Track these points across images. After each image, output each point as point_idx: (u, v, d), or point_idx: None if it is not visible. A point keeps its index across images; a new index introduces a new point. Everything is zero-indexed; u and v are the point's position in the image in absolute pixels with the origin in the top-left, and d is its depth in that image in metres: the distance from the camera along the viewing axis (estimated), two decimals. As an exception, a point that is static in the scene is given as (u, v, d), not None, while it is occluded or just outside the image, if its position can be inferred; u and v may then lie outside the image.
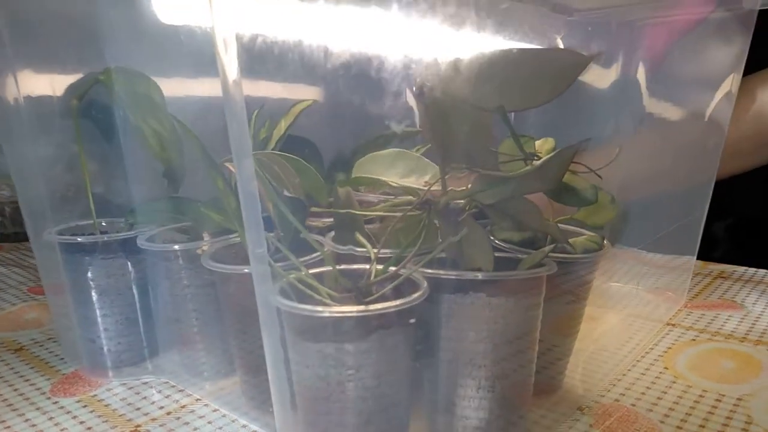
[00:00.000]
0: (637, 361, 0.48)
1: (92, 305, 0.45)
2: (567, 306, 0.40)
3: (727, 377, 0.45)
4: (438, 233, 0.35)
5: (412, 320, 0.30)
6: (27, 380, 0.46)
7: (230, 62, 0.27)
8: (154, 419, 0.40)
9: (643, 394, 0.42)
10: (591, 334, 0.53)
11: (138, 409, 0.41)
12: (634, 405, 0.41)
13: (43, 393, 0.44)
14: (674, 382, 0.44)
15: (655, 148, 0.70)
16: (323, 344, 0.29)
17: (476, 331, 0.32)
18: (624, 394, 0.42)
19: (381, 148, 0.43)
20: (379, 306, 0.28)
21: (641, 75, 0.66)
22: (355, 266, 0.34)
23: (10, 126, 0.44)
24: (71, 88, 0.47)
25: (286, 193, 0.35)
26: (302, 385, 0.30)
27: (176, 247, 0.42)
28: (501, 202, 0.34)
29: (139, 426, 0.39)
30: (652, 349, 0.50)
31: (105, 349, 0.46)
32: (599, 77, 0.71)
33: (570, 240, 0.40)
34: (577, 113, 0.71)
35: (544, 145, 0.42)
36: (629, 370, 0.46)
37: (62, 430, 0.39)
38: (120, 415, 0.40)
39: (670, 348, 0.50)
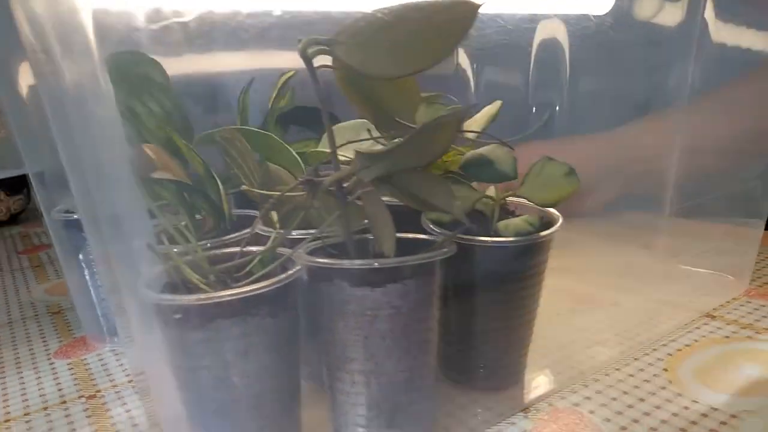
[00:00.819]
0: (635, 359, 0.41)
1: (85, 275, 0.49)
2: (506, 294, 0.35)
3: (738, 387, 0.37)
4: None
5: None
6: (44, 341, 0.51)
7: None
8: (114, 386, 0.43)
9: (614, 399, 0.36)
10: (583, 322, 0.47)
11: (109, 375, 0.44)
12: (592, 412, 0.35)
13: (48, 354, 0.49)
14: (663, 388, 0.37)
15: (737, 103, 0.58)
16: (170, 331, 0.28)
17: (345, 322, 0.29)
18: (591, 398, 0.37)
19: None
20: (208, 296, 0.27)
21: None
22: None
23: (17, 109, 0.49)
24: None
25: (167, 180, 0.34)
26: (169, 370, 0.30)
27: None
28: (398, 178, 0.31)
29: (99, 391, 0.42)
30: (664, 345, 0.43)
31: (101, 316, 0.50)
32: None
33: (504, 222, 0.35)
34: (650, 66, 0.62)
35: (489, 111, 0.37)
36: (617, 369, 0.40)
37: (40, 389, 0.43)
38: (91, 380, 0.44)
39: (688, 346, 0.42)
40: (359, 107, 0.34)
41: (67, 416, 0.39)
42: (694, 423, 0.33)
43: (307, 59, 0.30)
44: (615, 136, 0.67)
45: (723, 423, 0.33)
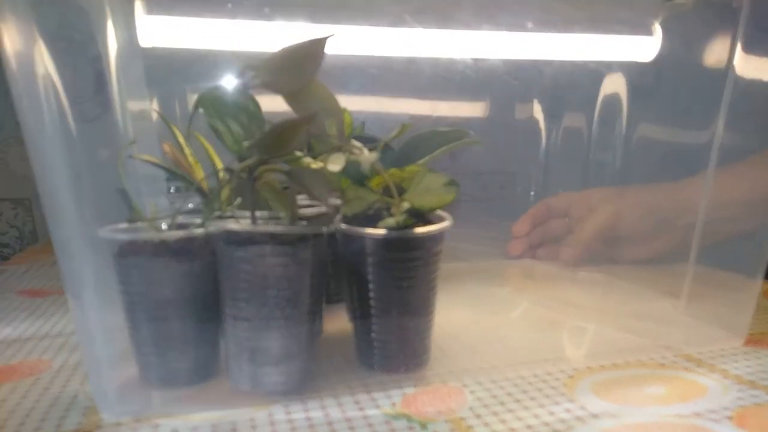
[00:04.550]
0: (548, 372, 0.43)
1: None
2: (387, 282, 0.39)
3: (632, 400, 0.38)
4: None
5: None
6: None
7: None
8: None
9: (500, 386, 0.39)
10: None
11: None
12: (473, 392, 0.38)
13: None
14: (554, 389, 0.39)
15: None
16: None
17: (223, 273, 0.38)
18: (481, 383, 0.40)
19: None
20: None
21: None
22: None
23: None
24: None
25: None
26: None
27: None
28: (294, 171, 0.38)
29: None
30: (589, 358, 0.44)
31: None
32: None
33: (384, 219, 0.39)
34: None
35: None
36: (528, 370, 0.42)
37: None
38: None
39: (615, 365, 0.43)
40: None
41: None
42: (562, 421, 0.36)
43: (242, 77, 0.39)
44: (674, 188, 0.66)
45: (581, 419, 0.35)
